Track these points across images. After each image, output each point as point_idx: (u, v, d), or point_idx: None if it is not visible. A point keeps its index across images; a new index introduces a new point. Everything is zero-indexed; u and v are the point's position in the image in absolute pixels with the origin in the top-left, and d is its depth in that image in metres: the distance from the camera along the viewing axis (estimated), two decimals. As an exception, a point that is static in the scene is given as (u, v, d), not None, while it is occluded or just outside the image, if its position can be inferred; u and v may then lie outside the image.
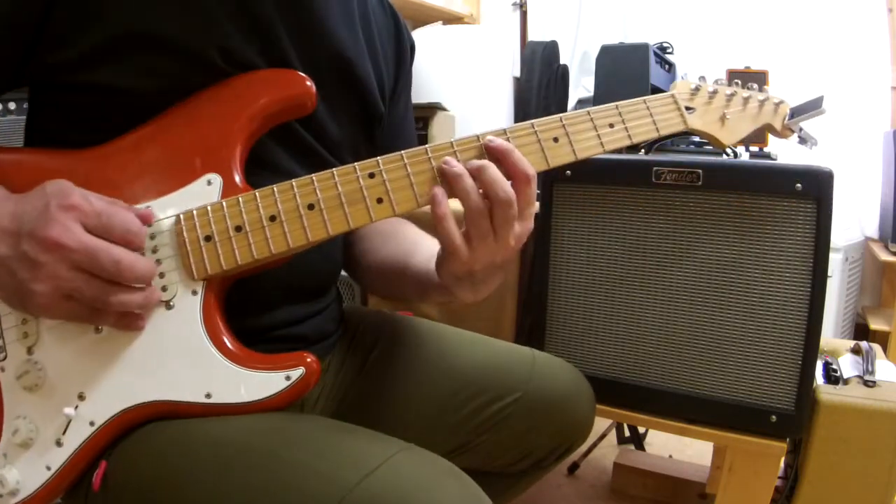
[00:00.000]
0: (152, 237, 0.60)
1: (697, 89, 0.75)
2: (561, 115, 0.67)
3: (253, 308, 0.66)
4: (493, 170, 0.60)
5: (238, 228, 0.60)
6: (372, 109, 0.78)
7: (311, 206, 0.61)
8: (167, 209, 0.61)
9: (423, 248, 0.76)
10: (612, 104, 0.69)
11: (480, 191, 0.60)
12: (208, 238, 0.60)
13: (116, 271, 0.55)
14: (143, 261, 0.57)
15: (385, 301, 1.33)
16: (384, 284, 0.81)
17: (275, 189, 0.61)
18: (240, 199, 0.61)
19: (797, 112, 0.80)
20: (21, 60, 0.61)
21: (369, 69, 0.77)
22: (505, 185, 0.59)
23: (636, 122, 0.70)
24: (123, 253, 0.55)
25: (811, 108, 0.80)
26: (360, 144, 0.78)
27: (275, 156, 0.68)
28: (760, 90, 0.79)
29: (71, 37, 0.60)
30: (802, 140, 0.83)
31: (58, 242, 0.53)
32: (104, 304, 0.56)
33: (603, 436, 1.62)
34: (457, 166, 0.60)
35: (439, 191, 0.60)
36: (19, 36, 0.60)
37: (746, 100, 0.77)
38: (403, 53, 0.85)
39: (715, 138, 0.76)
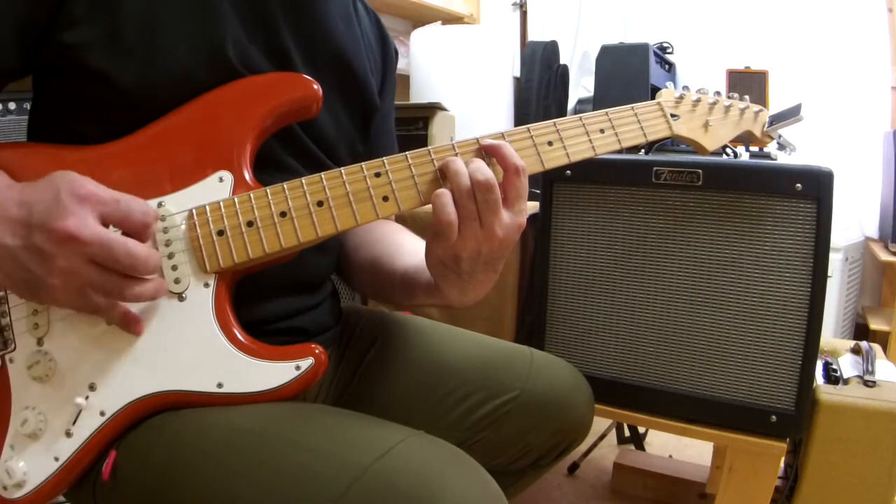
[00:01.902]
0: (165, 231, 0.61)
1: (681, 98, 0.78)
2: (555, 120, 0.70)
3: (250, 299, 0.67)
4: (478, 160, 0.63)
5: (250, 224, 0.62)
6: (368, 104, 0.80)
7: (320, 203, 0.63)
8: (179, 205, 0.62)
9: (412, 248, 0.78)
10: (603, 111, 0.72)
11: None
12: (221, 233, 0.62)
13: (132, 265, 0.55)
14: (155, 253, 0.58)
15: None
16: (372, 283, 0.82)
17: (285, 186, 0.63)
18: (251, 195, 0.62)
19: (776, 119, 0.84)
20: (36, 43, 0.61)
21: (366, 65, 0.79)
22: (485, 170, 0.62)
23: (625, 127, 0.73)
24: (138, 246, 0.55)
25: (789, 115, 0.83)
26: (355, 140, 0.80)
27: (275, 154, 0.69)
28: (741, 99, 0.82)
29: (83, 19, 0.60)
30: (781, 146, 0.86)
31: (72, 235, 0.52)
32: (119, 296, 0.56)
33: (603, 436, 1.62)
34: (452, 158, 0.63)
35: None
36: (36, 19, 0.60)
37: (728, 108, 0.81)
38: (389, 54, 0.87)
39: (699, 144, 0.80)
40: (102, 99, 0.62)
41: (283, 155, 0.70)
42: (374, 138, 0.83)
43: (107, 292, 0.56)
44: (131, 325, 0.59)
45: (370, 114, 0.81)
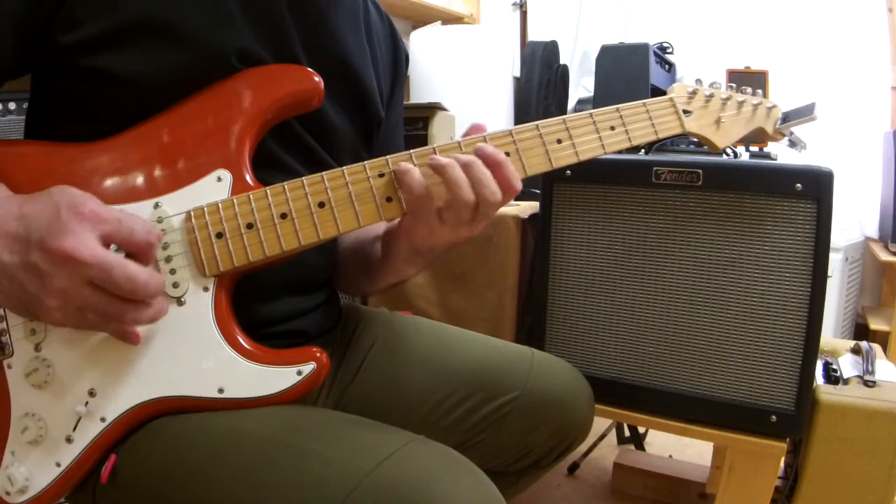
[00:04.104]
0: (162, 233, 0.60)
1: (694, 93, 0.77)
2: (564, 116, 0.68)
3: (248, 300, 0.66)
4: (480, 166, 0.62)
5: (249, 226, 0.61)
6: (372, 115, 0.80)
7: (321, 205, 0.62)
8: (176, 205, 0.61)
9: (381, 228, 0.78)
10: (613, 107, 0.71)
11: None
12: (220, 235, 0.61)
13: (132, 289, 0.53)
14: (156, 276, 0.55)
15: (385, 300, 1.33)
16: (353, 268, 0.83)
17: (285, 187, 0.62)
18: (250, 196, 0.61)
19: (789, 117, 0.82)
20: (34, 42, 0.61)
21: (371, 74, 0.78)
22: (493, 187, 0.62)
23: (636, 124, 0.72)
24: (138, 270, 0.53)
25: (803, 114, 0.81)
26: (359, 148, 0.79)
27: (275, 153, 0.69)
28: (754, 94, 0.81)
29: (86, 19, 0.59)
30: (792, 144, 0.85)
31: (71, 255, 0.50)
32: (118, 320, 0.55)
33: (603, 436, 1.62)
34: (444, 159, 0.62)
35: None
36: (35, 19, 0.59)
37: (741, 104, 0.79)
38: (399, 63, 0.87)
39: (710, 141, 0.78)
40: (101, 99, 0.62)
41: (284, 155, 0.69)
42: (380, 147, 0.82)
43: (105, 315, 0.54)
44: (129, 338, 0.58)
45: (375, 125, 0.81)
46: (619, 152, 0.73)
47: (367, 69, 0.77)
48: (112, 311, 0.54)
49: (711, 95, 0.77)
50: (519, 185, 0.63)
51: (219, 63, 0.63)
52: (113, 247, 0.55)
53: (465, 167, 0.62)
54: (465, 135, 0.67)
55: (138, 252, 0.56)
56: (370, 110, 0.79)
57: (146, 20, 0.60)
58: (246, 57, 0.64)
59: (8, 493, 0.59)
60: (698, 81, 0.78)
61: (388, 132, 0.85)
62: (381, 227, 0.77)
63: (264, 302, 0.69)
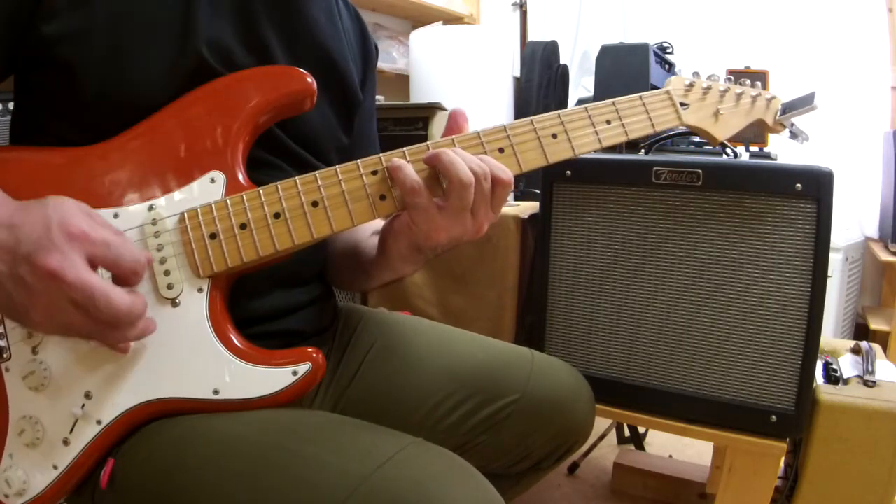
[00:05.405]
0: (156, 235, 0.60)
1: (692, 85, 0.76)
2: (559, 111, 0.68)
3: (241, 296, 0.66)
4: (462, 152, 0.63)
5: (243, 226, 0.61)
6: (352, 98, 0.80)
7: (315, 204, 0.62)
8: (171, 207, 0.61)
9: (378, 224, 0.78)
10: (609, 101, 0.70)
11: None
12: (213, 236, 0.61)
13: (113, 316, 0.53)
14: (139, 302, 0.55)
15: (384, 300, 1.33)
16: (349, 266, 0.82)
17: (278, 186, 0.62)
18: (244, 196, 0.61)
19: (789, 108, 0.81)
20: (21, 40, 0.60)
21: (348, 58, 0.79)
22: (473, 160, 0.62)
23: (632, 118, 0.71)
24: (121, 299, 0.53)
25: (803, 104, 0.80)
26: (340, 134, 0.79)
27: (258, 153, 0.68)
28: (752, 86, 0.80)
29: (63, 10, 0.59)
30: (794, 135, 0.84)
31: (55, 274, 0.50)
32: (101, 340, 0.56)
33: (603, 436, 1.62)
34: (436, 150, 0.63)
35: None
36: (21, 15, 0.59)
37: (739, 95, 0.78)
38: (369, 52, 0.87)
39: (709, 133, 0.77)
40: (76, 96, 0.61)
41: (264, 154, 0.69)
42: (358, 131, 0.83)
43: (88, 333, 0.54)
44: (116, 350, 0.58)
45: (354, 108, 0.81)
46: (619, 149, 0.73)
47: (343, 54, 0.77)
48: (95, 331, 0.54)
49: (709, 88, 0.76)
50: (510, 176, 0.64)
51: (192, 56, 0.63)
52: (101, 269, 0.55)
53: (456, 152, 0.62)
54: (448, 121, 0.67)
55: (123, 278, 0.55)
56: (349, 94, 0.79)
57: (115, 16, 0.60)
58: (219, 48, 0.64)
59: (6, 496, 0.59)
60: (695, 74, 0.77)
61: (362, 123, 0.85)
62: (378, 223, 0.77)
63: (257, 298, 0.69)
